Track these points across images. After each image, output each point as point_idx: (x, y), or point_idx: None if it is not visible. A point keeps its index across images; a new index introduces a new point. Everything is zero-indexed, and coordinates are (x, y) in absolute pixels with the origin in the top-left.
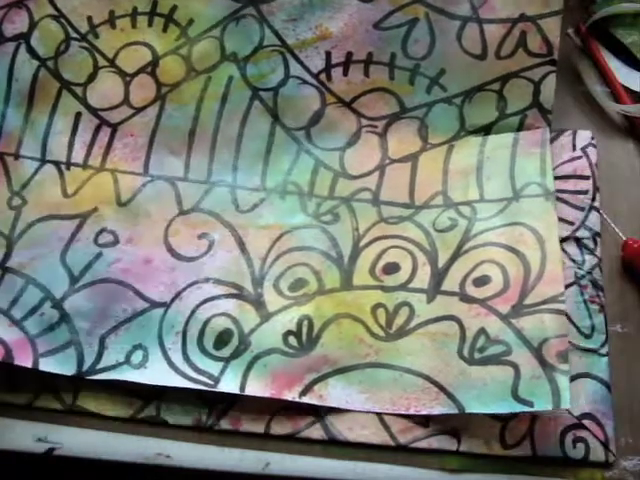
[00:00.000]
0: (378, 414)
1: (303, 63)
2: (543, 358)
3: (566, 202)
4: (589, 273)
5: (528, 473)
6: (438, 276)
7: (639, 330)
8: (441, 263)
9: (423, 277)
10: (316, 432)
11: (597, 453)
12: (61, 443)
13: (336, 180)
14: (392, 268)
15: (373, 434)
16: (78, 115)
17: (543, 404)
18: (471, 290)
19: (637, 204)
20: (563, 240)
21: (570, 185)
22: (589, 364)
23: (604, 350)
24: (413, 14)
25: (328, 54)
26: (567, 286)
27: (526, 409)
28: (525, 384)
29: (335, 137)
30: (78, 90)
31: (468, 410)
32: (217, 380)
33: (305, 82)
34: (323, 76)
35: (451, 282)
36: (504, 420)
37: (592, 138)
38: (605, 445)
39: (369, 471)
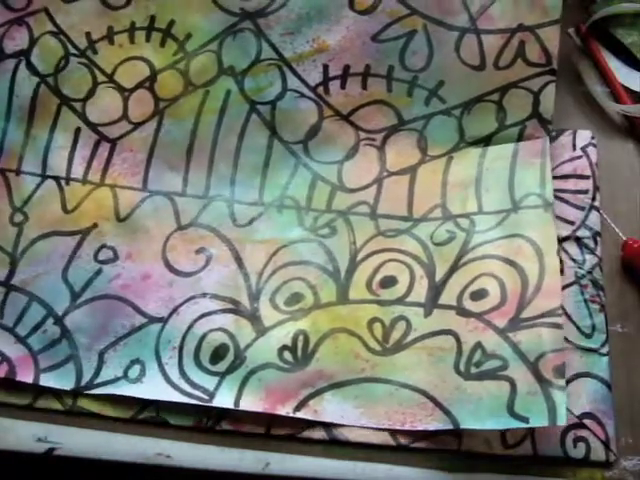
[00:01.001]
0: None
1: (300, 76)
2: (539, 373)
3: (566, 201)
4: (589, 273)
5: (528, 473)
6: (435, 289)
7: (639, 330)
8: (439, 276)
9: (420, 291)
10: (316, 432)
11: (598, 453)
12: (61, 443)
13: (334, 194)
14: (389, 282)
15: (373, 434)
16: (78, 130)
17: (539, 420)
18: (468, 304)
19: (637, 204)
20: (563, 239)
21: (570, 184)
22: (590, 363)
23: (604, 349)
24: (411, 26)
25: (325, 67)
26: (567, 285)
27: (522, 425)
28: (521, 400)
29: (333, 150)
30: (77, 106)
31: (463, 426)
32: (212, 395)
33: (303, 95)
34: (321, 89)
35: (448, 296)
36: None
37: (592, 138)
38: (606, 444)
39: (369, 471)
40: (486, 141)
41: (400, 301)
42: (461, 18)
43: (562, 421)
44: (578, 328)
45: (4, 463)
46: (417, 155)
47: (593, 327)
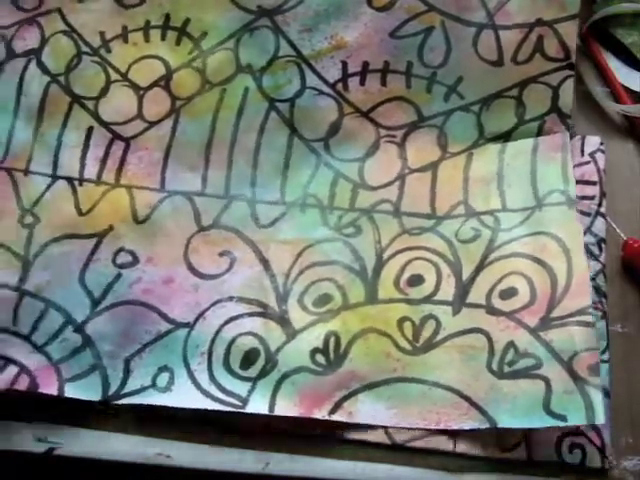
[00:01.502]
0: None
1: (319, 74)
2: (574, 372)
3: None
4: (593, 279)
5: (526, 473)
6: (463, 288)
7: (639, 330)
8: (465, 275)
9: (447, 289)
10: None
11: (594, 459)
12: (61, 443)
13: (356, 192)
14: (416, 280)
15: (370, 433)
16: (90, 129)
17: (577, 418)
18: (497, 302)
19: (637, 204)
20: None
21: (577, 190)
22: None
23: (605, 357)
24: (428, 22)
25: (344, 64)
26: None
27: (559, 423)
28: (558, 398)
29: (354, 148)
30: (90, 104)
31: (500, 424)
32: (245, 401)
33: (322, 93)
34: (340, 86)
35: (477, 294)
36: None
37: (601, 144)
38: (602, 452)
39: (369, 471)
40: (506, 137)
41: (428, 299)
42: (478, 14)
43: (600, 419)
44: None
45: (4, 463)
46: (437, 152)
47: None
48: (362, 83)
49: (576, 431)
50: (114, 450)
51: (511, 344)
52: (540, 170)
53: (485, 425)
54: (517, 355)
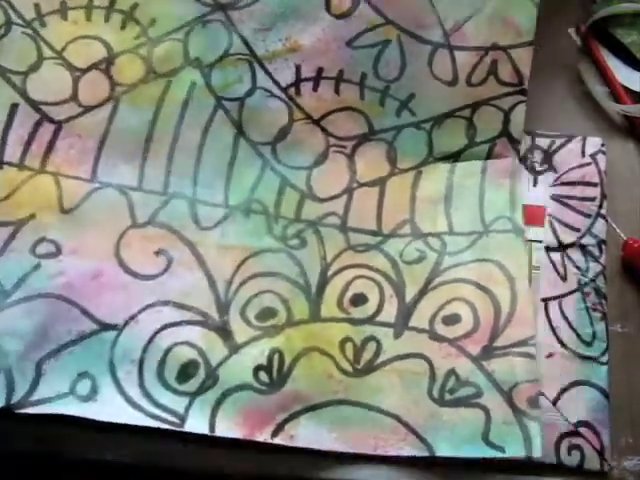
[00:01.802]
0: None
1: (272, 75)
2: (514, 403)
3: (573, 208)
4: (592, 280)
5: (525, 474)
6: (406, 310)
7: (639, 330)
8: (409, 297)
9: (390, 310)
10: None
11: (592, 461)
12: (62, 443)
13: (303, 202)
14: (359, 299)
15: None
16: (14, 107)
17: (515, 450)
18: (441, 328)
19: (637, 204)
20: (568, 246)
21: (577, 191)
22: (589, 372)
23: (604, 358)
24: (385, 35)
25: (298, 68)
26: (570, 293)
27: (498, 454)
28: (496, 429)
29: (302, 155)
30: (16, 79)
31: (439, 453)
32: (183, 418)
33: (273, 95)
34: (292, 90)
35: (420, 318)
36: None
37: (602, 145)
38: (601, 454)
39: (369, 471)
40: (455, 157)
41: (370, 320)
42: (435, 33)
43: (537, 453)
44: (578, 336)
45: (4, 463)
46: (387, 167)
47: (594, 335)
48: (315, 89)
49: (575, 432)
50: (114, 450)
51: (452, 372)
52: (488, 195)
53: (424, 453)
54: (458, 383)
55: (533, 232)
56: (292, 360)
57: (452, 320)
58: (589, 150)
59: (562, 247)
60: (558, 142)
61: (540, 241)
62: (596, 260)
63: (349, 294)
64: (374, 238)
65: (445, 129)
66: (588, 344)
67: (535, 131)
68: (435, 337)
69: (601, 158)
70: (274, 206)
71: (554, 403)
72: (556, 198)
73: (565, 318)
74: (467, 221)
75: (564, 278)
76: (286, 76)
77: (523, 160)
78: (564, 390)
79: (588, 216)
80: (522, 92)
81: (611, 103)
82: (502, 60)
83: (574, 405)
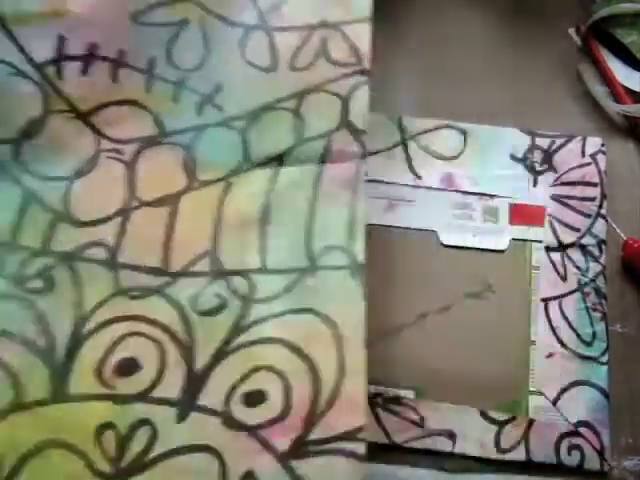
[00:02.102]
0: (375, 415)
1: (21, 46)
2: None
3: (573, 208)
4: (592, 281)
5: (525, 474)
6: (195, 383)
7: (639, 330)
8: (200, 363)
9: (173, 382)
10: None
11: (592, 461)
12: None
13: (55, 226)
14: (130, 367)
15: (369, 435)
16: None
17: None
18: (239, 410)
19: (637, 204)
20: (568, 246)
21: (577, 191)
22: (589, 372)
23: (604, 358)
24: (184, 14)
25: (62, 40)
26: (570, 293)
27: None
28: None
29: (60, 161)
30: None
31: None
32: None
33: (21, 73)
34: (51, 70)
35: (212, 394)
36: (500, 424)
37: (602, 145)
38: (601, 454)
39: (369, 471)
40: (278, 161)
41: (143, 397)
42: (248, 13)
43: None
44: (578, 336)
45: None
46: (182, 179)
47: (594, 335)
48: (84, 72)
49: (575, 432)
50: None
51: (250, 475)
52: (320, 215)
53: None
54: None
55: (533, 232)
56: (16, 463)
57: (255, 399)
58: (589, 150)
59: (562, 247)
60: (558, 142)
61: (540, 241)
62: (596, 260)
63: (114, 359)
64: (157, 278)
65: (264, 126)
66: (588, 344)
67: (535, 131)
68: (230, 423)
69: (601, 158)
70: (10, 233)
71: (554, 403)
72: (556, 198)
73: (565, 318)
74: (287, 254)
75: (564, 278)
76: (43, 49)
77: (523, 160)
78: (564, 390)
79: (588, 216)
80: (362, 72)
81: (611, 103)
82: (334, 38)
83: (574, 405)
